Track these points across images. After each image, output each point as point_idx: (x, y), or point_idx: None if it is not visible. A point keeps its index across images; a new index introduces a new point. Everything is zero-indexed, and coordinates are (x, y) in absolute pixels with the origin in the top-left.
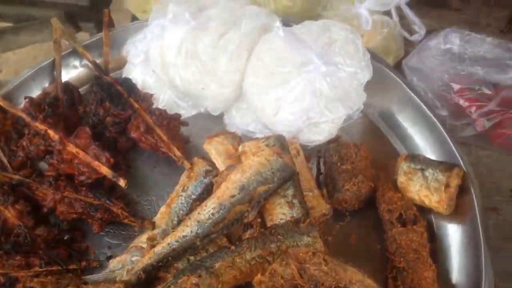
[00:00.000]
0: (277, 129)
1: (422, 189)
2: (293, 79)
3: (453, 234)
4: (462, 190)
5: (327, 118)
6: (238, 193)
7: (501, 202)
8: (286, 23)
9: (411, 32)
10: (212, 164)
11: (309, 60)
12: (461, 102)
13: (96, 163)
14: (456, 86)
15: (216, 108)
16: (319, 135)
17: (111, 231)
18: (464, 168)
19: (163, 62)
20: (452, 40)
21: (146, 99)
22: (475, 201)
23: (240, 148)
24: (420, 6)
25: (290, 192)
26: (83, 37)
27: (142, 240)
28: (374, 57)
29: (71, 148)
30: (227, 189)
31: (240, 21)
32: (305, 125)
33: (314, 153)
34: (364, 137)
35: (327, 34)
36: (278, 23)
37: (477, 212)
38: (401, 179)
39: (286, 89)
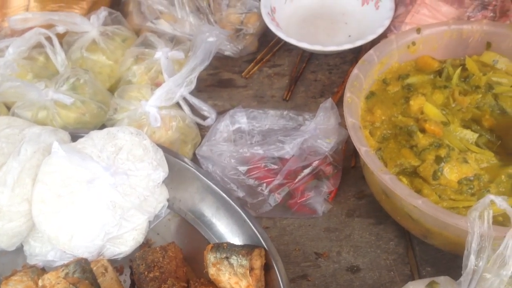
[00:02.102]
0: (77, 252)
1: (232, 277)
2: (82, 198)
3: None
4: (268, 267)
5: (126, 228)
6: None
7: (309, 267)
8: (77, 135)
9: (205, 117)
10: None
11: (96, 174)
12: (251, 182)
13: None
14: (243, 168)
15: (9, 244)
16: (124, 246)
17: None
18: (265, 246)
19: None
20: (239, 119)
21: None
22: (279, 277)
23: (40, 283)
24: (211, 89)
25: None
26: None
27: None
28: (169, 152)
29: None
30: None
31: (20, 147)
32: (104, 241)
33: (126, 263)
34: (176, 233)
35: (113, 142)
36: (56, 143)
37: (281, 286)
38: (211, 271)
39: (76, 210)
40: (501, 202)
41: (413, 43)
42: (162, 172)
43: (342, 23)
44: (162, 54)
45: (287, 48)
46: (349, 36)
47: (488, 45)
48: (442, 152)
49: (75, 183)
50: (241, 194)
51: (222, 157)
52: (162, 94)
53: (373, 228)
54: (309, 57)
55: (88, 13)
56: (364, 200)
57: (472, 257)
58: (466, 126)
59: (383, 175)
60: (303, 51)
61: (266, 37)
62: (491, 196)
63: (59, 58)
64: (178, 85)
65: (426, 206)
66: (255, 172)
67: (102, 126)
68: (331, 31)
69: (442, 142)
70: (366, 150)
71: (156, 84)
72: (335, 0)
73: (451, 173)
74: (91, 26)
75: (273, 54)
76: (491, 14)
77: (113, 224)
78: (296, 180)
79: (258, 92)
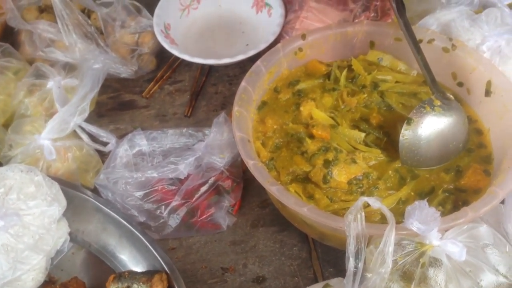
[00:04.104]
0: None
1: None
2: None
3: None
4: None
5: (22, 270)
6: None
7: (216, 283)
8: None
9: (106, 143)
10: None
11: None
12: (149, 206)
13: None
14: (139, 194)
15: None
16: None
17: None
18: (166, 270)
19: None
20: (138, 142)
21: None
22: None
23: None
24: (112, 112)
25: None
26: None
27: None
28: (66, 184)
29: None
30: None
31: None
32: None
33: None
34: (81, 266)
35: (2, 182)
36: None
37: None
38: None
39: None
40: (374, 203)
41: (300, 49)
42: (58, 207)
43: (239, 32)
44: (54, 83)
45: (187, 63)
46: (247, 45)
47: (372, 44)
48: (330, 156)
49: None
50: (142, 219)
51: (118, 184)
52: (54, 125)
53: (277, 235)
54: (209, 70)
55: None
56: (268, 208)
57: (351, 259)
58: (355, 126)
59: (270, 187)
60: (202, 65)
61: (165, 53)
62: (364, 198)
63: None
64: (71, 114)
65: (311, 213)
66: (153, 196)
67: None
68: (229, 42)
69: (330, 145)
70: (253, 163)
71: (51, 114)
72: (231, 10)
73: (340, 174)
74: None
75: (173, 70)
76: (373, 14)
77: (7, 268)
78: (194, 198)
79: (160, 111)
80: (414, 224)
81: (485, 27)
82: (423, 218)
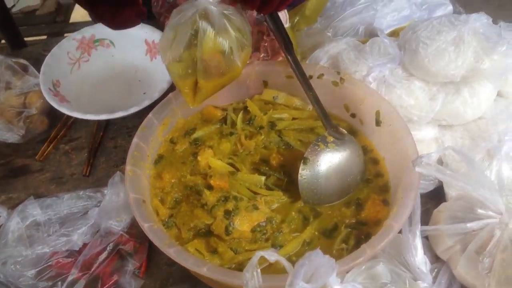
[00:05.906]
0: None
1: None
2: None
3: None
4: None
5: None
6: None
7: None
8: None
9: None
10: None
11: None
12: (44, 284)
13: None
14: (31, 272)
15: None
16: None
17: None
18: None
19: None
20: (32, 212)
21: None
22: None
23: None
24: (3, 181)
25: None
26: None
27: None
28: None
29: None
30: None
31: None
32: None
33: None
34: None
35: None
36: None
37: None
38: None
39: None
40: (270, 256)
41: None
42: None
43: (135, 81)
44: None
45: (83, 118)
46: (144, 93)
47: (265, 83)
48: (230, 206)
49: None
50: None
51: (7, 265)
52: None
53: None
54: (106, 123)
55: None
56: (176, 265)
57: None
58: (256, 169)
59: (167, 249)
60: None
61: (57, 111)
62: (261, 252)
63: None
64: None
65: (211, 272)
66: (47, 272)
67: None
68: (126, 91)
69: (229, 194)
70: (148, 226)
71: None
72: (125, 59)
73: (242, 224)
74: None
75: (68, 128)
76: (263, 54)
77: None
78: (93, 268)
79: (56, 174)
80: (300, 285)
81: (369, 58)
82: (316, 268)
